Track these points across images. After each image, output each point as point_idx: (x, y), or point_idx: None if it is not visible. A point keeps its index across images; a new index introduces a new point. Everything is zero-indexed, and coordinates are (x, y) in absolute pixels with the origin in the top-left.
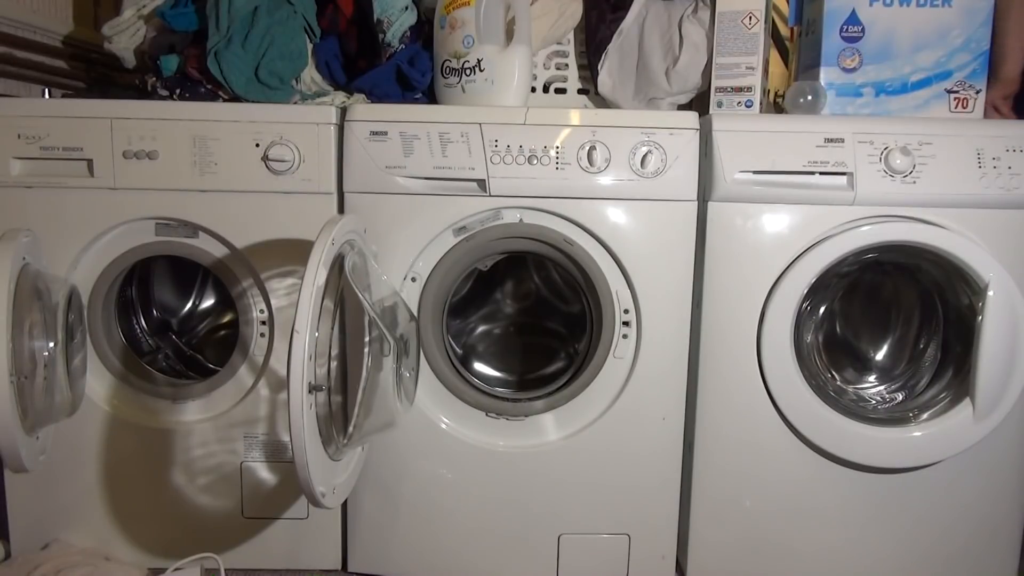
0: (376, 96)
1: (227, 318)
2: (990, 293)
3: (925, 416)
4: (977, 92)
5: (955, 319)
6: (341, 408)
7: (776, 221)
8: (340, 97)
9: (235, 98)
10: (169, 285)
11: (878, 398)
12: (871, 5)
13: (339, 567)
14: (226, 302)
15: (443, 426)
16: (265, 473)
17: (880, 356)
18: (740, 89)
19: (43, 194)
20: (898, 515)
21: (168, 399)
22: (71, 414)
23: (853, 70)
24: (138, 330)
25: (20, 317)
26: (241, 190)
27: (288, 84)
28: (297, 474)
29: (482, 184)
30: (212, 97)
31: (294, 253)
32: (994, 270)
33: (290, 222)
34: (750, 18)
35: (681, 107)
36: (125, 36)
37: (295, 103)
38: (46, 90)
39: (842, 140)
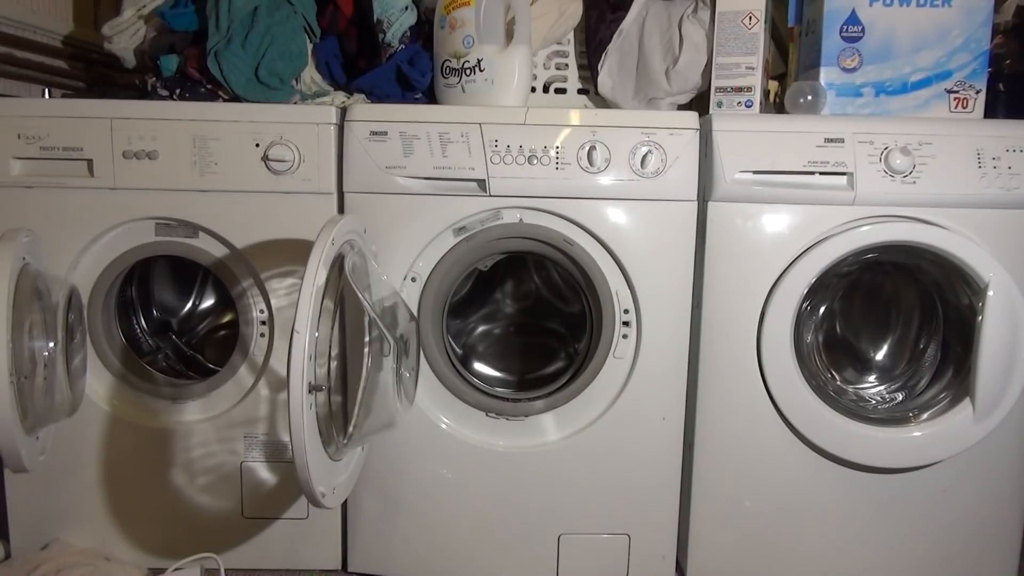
0: (376, 96)
1: (227, 318)
2: (990, 293)
3: (925, 416)
4: (977, 92)
5: (955, 319)
6: (341, 408)
7: (776, 221)
8: (340, 97)
9: (235, 98)
10: (169, 285)
11: (878, 398)
12: (871, 5)
13: (339, 567)
14: (226, 302)
15: (443, 426)
16: (265, 473)
17: (880, 356)
18: (740, 89)
19: (43, 194)
20: (898, 515)
21: (168, 399)
22: (71, 414)
23: (853, 70)
24: (138, 330)
25: (20, 317)
26: (241, 190)
27: (288, 84)
28: (297, 474)
29: (482, 184)
30: (212, 97)
31: (294, 253)
32: (994, 270)
33: (290, 222)
34: (750, 18)
35: (681, 107)
36: (125, 36)
37: (295, 103)
38: (46, 90)
39: (842, 140)
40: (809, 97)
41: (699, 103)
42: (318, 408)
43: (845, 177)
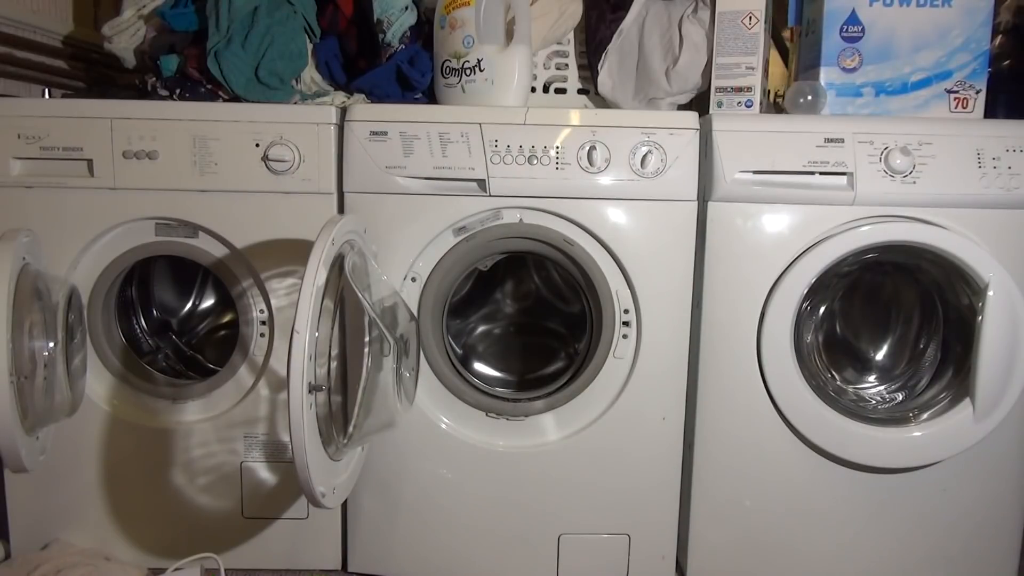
0: (376, 96)
1: (227, 318)
2: (990, 293)
3: (925, 416)
4: (977, 92)
5: (955, 319)
6: (341, 408)
7: (776, 221)
8: (340, 97)
9: (235, 98)
10: (169, 285)
11: (878, 398)
12: (871, 5)
13: (339, 567)
14: (226, 302)
15: (443, 426)
16: (265, 473)
17: (880, 356)
18: (740, 89)
19: (43, 194)
20: (898, 515)
21: (168, 399)
22: (71, 414)
23: (853, 70)
24: (138, 330)
25: (20, 317)
26: (241, 190)
27: (288, 84)
28: (297, 474)
29: (482, 184)
30: (212, 97)
31: (294, 253)
32: (994, 270)
33: (290, 222)
34: (750, 18)
35: (681, 107)
36: (125, 36)
37: (295, 103)
38: (46, 90)
39: (842, 140)
40: (809, 97)
41: (699, 103)
42: (318, 408)
43: (845, 177)
